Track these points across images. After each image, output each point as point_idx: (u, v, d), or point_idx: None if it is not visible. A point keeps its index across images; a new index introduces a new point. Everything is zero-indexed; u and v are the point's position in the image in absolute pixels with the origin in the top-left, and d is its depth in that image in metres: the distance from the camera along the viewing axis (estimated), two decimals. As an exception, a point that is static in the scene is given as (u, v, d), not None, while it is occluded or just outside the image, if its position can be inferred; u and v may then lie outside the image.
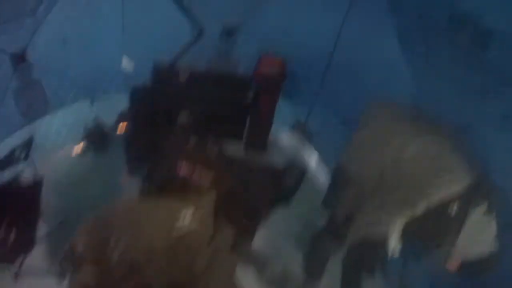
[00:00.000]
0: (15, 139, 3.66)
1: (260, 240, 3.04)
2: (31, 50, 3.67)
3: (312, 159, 4.00)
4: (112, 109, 4.05)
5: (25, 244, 3.03)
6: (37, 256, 3.12)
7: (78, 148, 3.96)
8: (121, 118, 4.00)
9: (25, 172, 3.30)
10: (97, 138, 3.98)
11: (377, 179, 2.69)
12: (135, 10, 3.87)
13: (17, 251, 3.00)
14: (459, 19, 2.83)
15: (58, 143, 3.97)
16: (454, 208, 2.39)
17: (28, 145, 3.47)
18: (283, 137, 4.13)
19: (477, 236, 2.43)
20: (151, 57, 3.79)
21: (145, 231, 2.34)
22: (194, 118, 3.35)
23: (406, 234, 2.52)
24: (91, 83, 4.03)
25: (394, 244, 2.52)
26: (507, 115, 2.65)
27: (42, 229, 3.17)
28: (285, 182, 3.04)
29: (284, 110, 4.04)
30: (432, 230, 2.50)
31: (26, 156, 3.41)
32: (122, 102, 3.80)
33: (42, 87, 3.93)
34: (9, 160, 3.39)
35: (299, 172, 3.08)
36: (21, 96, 3.92)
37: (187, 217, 2.39)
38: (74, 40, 3.86)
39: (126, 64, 3.82)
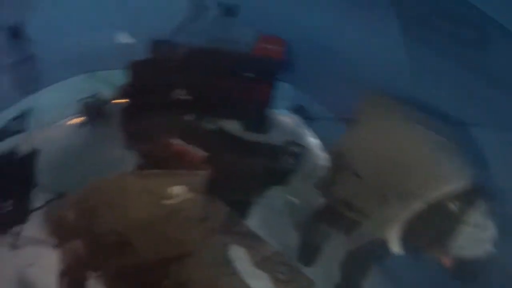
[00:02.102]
0: (9, 113, 3.65)
1: (255, 220, 3.02)
2: (29, 24, 3.62)
3: (312, 143, 3.97)
4: (110, 84, 4.02)
5: (20, 216, 3.05)
6: (33, 228, 3.14)
7: (75, 121, 3.94)
8: (119, 92, 3.97)
9: (20, 145, 3.29)
10: (95, 112, 3.94)
11: (374, 173, 2.69)
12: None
13: (12, 222, 3.03)
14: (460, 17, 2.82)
15: (55, 117, 3.96)
16: (452, 207, 2.39)
17: (23, 118, 3.48)
18: (283, 118, 4.09)
19: (474, 237, 2.43)
20: (149, 32, 3.74)
21: (133, 204, 2.35)
22: (191, 95, 3.32)
23: (406, 233, 2.52)
24: (88, 58, 3.99)
25: (395, 244, 2.52)
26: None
27: (37, 201, 3.18)
28: (283, 161, 3.03)
29: (284, 91, 3.99)
30: (430, 228, 2.51)
31: (21, 130, 3.42)
32: (120, 77, 3.76)
33: (36, 62, 3.89)
34: (4, 133, 3.39)
35: (297, 152, 3.06)
36: (15, 71, 3.89)
37: (177, 194, 2.40)
38: (72, 16, 3.80)
39: (123, 38, 3.76)
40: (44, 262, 3.11)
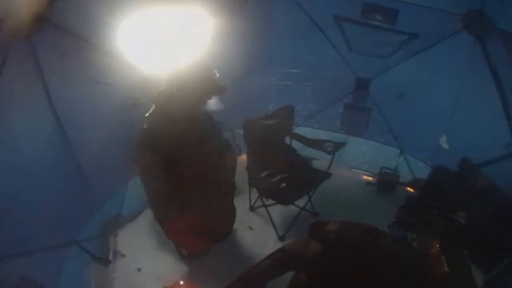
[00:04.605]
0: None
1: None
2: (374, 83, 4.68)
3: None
4: (414, 170, 4.87)
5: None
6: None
7: (366, 178, 4.89)
8: (413, 182, 4.75)
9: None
10: (387, 182, 4.74)
11: None
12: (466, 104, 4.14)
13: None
14: None
15: (356, 164, 5.06)
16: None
17: (338, 145, 4.30)
18: None
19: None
20: (465, 150, 4.18)
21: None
22: (468, 223, 3.69)
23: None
24: (407, 139, 4.84)
25: None
26: None
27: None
28: None
29: None
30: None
31: (332, 152, 4.22)
32: (423, 170, 4.48)
33: (368, 115, 4.93)
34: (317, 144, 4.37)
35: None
36: (349, 112, 5.00)
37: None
38: (410, 95, 4.49)
39: (443, 142, 4.35)
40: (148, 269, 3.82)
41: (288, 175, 4.01)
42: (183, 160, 3.11)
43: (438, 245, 3.14)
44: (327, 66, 4.60)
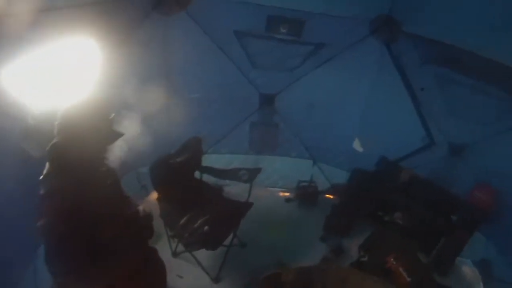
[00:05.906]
0: (243, 163, 4.39)
1: None
2: (280, 97, 4.50)
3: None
4: (328, 178, 4.80)
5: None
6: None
7: (284, 194, 4.72)
8: (334, 188, 4.68)
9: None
10: (308, 194, 4.62)
11: None
12: (377, 106, 4.23)
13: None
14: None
15: (274, 183, 4.83)
16: None
17: (253, 172, 4.01)
18: (465, 269, 4.02)
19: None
20: (381, 149, 4.25)
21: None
22: (407, 220, 3.85)
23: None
24: (320, 149, 4.76)
25: None
26: None
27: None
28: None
29: (478, 243, 3.98)
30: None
31: (248, 180, 3.93)
32: (339, 176, 4.44)
33: (276, 131, 4.75)
34: (231, 175, 4.06)
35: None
36: (256, 131, 4.79)
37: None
38: (319, 105, 4.47)
39: (357, 145, 4.37)
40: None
41: (208, 216, 3.62)
42: (95, 225, 2.59)
43: (393, 259, 3.16)
44: (229, 86, 4.33)
